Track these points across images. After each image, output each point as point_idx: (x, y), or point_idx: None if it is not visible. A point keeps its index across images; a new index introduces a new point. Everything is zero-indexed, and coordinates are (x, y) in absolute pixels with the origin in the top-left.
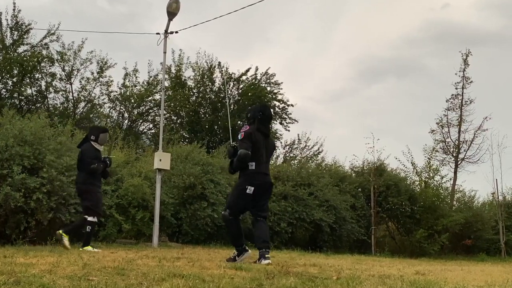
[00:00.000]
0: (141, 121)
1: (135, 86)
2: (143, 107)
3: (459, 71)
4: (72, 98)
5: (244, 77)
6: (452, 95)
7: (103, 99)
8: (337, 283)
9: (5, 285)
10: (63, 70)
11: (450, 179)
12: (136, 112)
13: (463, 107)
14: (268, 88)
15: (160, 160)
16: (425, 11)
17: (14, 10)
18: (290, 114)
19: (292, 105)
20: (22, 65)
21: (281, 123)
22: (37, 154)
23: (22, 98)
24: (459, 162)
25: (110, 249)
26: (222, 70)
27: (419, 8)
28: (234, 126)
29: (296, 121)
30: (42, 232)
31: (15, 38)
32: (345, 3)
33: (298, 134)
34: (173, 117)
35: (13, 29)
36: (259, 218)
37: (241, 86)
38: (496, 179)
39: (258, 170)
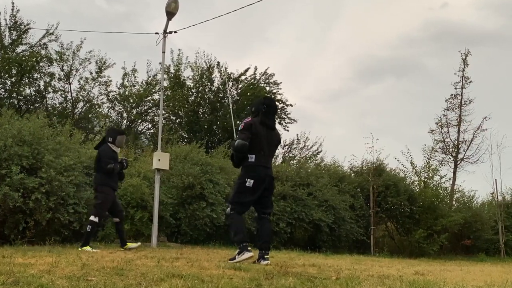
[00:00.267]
0: (140, 121)
1: (134, 86)
2: (142, 107)
3: (459, 71)
4: (70, 98)
5: (243, 77)
6: (452, 95)
7: (101, 99)
8: (336, 283)
9: (4, 285)
10: (62, 70)
11: (450, 179)
12: (135, 112)
13: (462, 107)
14: (267, 88)
15: (159, 160)
16: (424, 11)
17: (12, 9)
18: (289, 114)
19: (291, 105)
20: (20, 65)
21: (280, 123)
22: (36, 154)
23: (21, 98)
24: (459, 162)
25: (109, 249)
26: (221, 70)
27: (418, 8)
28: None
29: (295, 121)
30: (41, 232)
31: (13, 38)
32: (343, 3)
33: (297, 134)
34: (172, 117)
35: (12, 29)
36: (263, 215)
37: (240, 86)
38: (496, 179)
39: (258, 163)
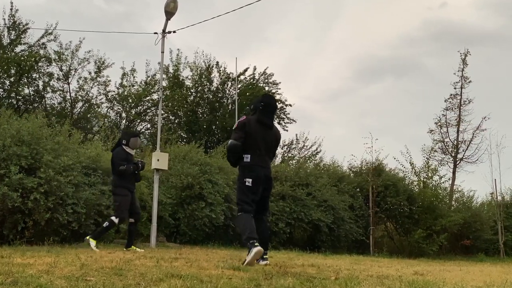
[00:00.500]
0: (138, 121)
1: (133, 86)
2: (140, 107)
3: (458, 71)
4: (69, 98)
5: (242, 77)
6: (451, 95)
7: (100, 99)
8: (335, 284)
9: (3, 285)
10: (61, 70)
11: (449, 179)
12: (133, 112)
13: (461, 107)
14: (267, 88)
15: (158, 160)
16: (423, 10)
17: (11, 9)
18: (288, 114)
19: (290, 105)
20: (19, 65)
21: (279, 123)
22: (35, 154)
23: (20, 98)
24: (458, 162)
25: (108, 250)
26: (220, 70)
27: (417, 7)
28: (232, 126)
29: (294, 121)
30: (40, 232)
31: (12, 37)
32: (343, 2)
33: (296, 134)
34: (171, 117)
35: (11, 28)
36: (260, 216)
37: (239, 86)
38: (495, 179)
39: (253, 162)
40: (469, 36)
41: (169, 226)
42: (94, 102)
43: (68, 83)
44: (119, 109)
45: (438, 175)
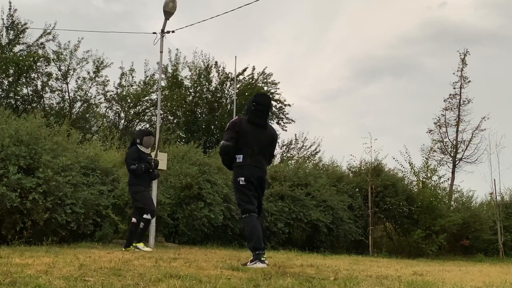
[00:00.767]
0: (137, 121)
1: (132, 85)
2: (139, 106)
3: (457, 71)
4: (68, 97)
5: (241, 77)
6: (450, 94)
7: (99, 99)
8: (334, 284)
9: (1, 285)
10: (59, 69)
11: (448, 179)
12: (132, 112)
13: (461, 107)
14: (265, 88)
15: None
16: (422, 10)
17: (10, 9)
18: (287, 114)
19: (289, 105)
20: (18, 65)
21: (278, 123)
22: (33, 154)
23: (18, 98)
24: (457, 162)
25: (107, 250)
26: (218, 70)
27: (416, 7)
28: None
29: (293, 121)
30: (38, 233)
31: (11, 37)
32: (341, 2)
33: (295, 134)
34: (169, 117)
35: (9, 28)
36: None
37: (238, 85)
38: (494, 179)
39: (245, 162)
40: (468, 36)
41: (168, 226)
42: (93, 102)
43: (67, 83)
44: (118, 109)
45: (437, 175)
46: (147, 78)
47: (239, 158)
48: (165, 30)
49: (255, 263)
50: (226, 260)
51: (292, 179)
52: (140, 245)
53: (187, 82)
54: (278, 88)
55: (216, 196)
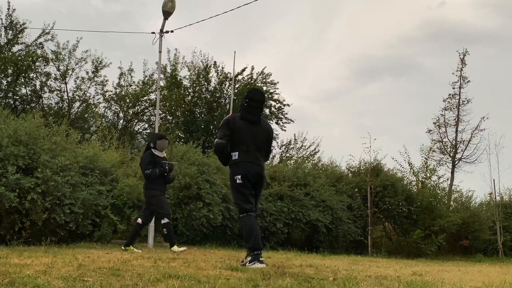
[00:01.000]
0: (136, 121)
1: (130, 85)
2: (138, 106)
3: (457, 71)
4: (67, 97)
5: (240, 77)
6: (449, 94)
7: (98, 99)
8: (333, 284)
9: (0, 286)
10: (58, 69)
11: (447, 179)
12: (131, 112)
13: (460, 107)
14: (264, 88)
15: None
16: (422, 10)
17: (8, 9)
18: (286, 114)
19: (288, 105)
20: (16, 65)
21: (277, 123)
22: (32, 154)
23: (17, 97)
24: (456, 162)
25: (105, 250)
26: (217, 70)
27: (415, 7)
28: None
29: (292, 121)
30: (37, 233)
31: (9, 37)
32: (341, 2)
33: (294, 134)
34: (168, 117)
35: (8, 28)
36: None
37: (237, 85)
38: (494, 179)
39: (241, 159)
40: (467, 36)
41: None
42: (92, 102)
43: (66, 83)
44: (117, 109)
45: (436, 175)
46: (146, 78)
47: (235, 155)
48: (164, 30)
49: (254, 263)
50: (225, 260)
51: (291, 179)
52: (175, 248)
53: (186, 82)
54: (277, 88)
55: (215, 196)
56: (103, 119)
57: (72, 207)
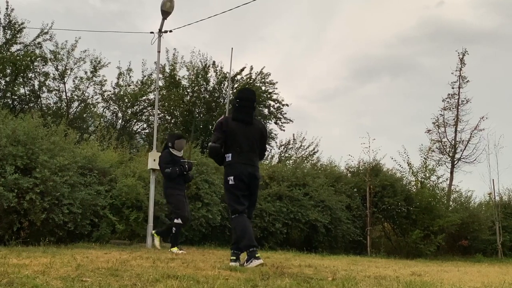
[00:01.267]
0: (135, 120)
1: (129, 85)
2: (137, 106)
3: (456, 70)
4: (65, 97)
5: (238, 77)
6: (449, 94)
7: (96, 99)
8: (332, 284)
9: None
10: (56, 69)
11: (447, 179)
12: (130, 112)
13: (459, 107)
14: (263, 88)
15: (154, 160)
16: (420, 9)
17: (7, 9)
18: (285, 114)
19: (287, 105)
20: (15, 65)
21: (276, 123)
22: (30, 154)
23: (15, 97)
24: (456, 162)
25: (104, 250)
26: (216, 70)
27: (414, 6)
28: None
29: (291, 121)
30: (35, 233)
31: (8, 37)
32: (339, 1)
33: (293, 134)
34: (167, 116)
35: (6, 28)
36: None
37: (235, 85)
38: (493, 179)
39: (235, 160)
40: (465, 35)
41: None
42: (90, 102)
43: (64, 83)
44: (115, 109)
45: (435, 175)
46: (145, 78)
47: (228, 157)
48: (163, 30)
49: (251, 261)
50: (224, 260)
51: (290, 179)
52: (175, 249)
53: (184, 82)
54: (276, 88)
55: (214, 196)
56: (102, 119)
57: (70, 207)
